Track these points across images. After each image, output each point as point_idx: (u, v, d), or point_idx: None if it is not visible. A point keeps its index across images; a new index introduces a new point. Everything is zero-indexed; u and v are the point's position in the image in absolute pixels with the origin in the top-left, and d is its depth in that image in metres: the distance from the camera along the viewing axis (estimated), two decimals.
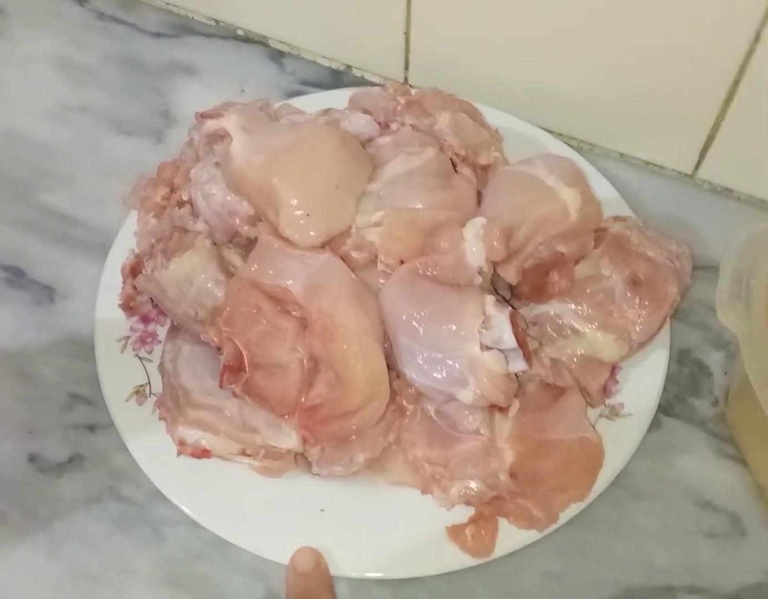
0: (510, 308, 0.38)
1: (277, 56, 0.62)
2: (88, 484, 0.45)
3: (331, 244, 0.41)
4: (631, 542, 0.43)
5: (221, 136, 0.42)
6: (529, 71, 0.54)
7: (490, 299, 0.39)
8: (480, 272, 0.40)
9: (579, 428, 0.40)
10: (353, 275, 0.40)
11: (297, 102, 0.53)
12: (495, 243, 0.39)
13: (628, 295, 0.43)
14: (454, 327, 0.38)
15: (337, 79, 0.61)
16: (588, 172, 0.51)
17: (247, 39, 0.63)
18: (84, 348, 0.48)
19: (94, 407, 0.46)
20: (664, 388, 0.47)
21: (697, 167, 0.53)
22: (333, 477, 0.41)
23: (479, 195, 0.45)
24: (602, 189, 0.51)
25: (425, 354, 0.39)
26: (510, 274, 0.41)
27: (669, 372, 0.48)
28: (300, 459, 0.42)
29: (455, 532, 0.40)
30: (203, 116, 0.43)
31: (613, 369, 0.45)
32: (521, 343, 0.38)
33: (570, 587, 0.41)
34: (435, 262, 0.40)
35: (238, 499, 0.42)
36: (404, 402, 0.41)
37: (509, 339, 0.37)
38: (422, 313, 0.39)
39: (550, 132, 0.55)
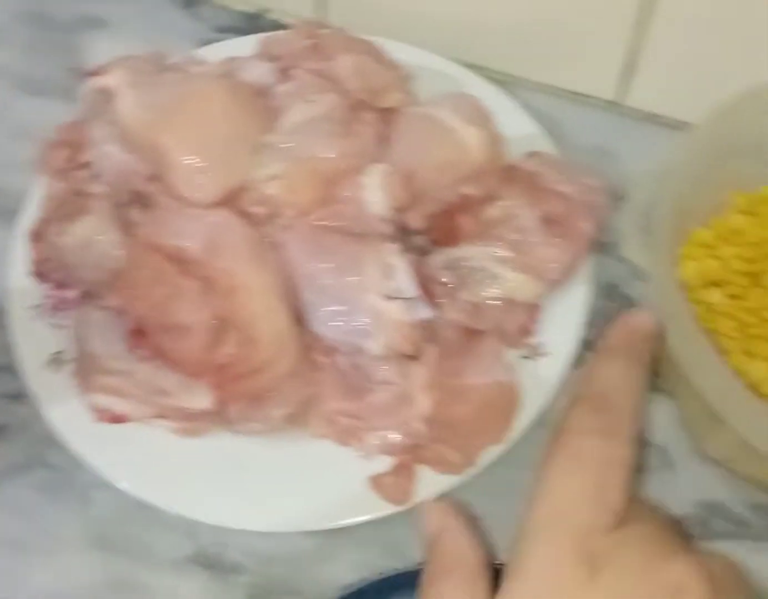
0: (411, 255, 0.38)
1: (191, 4, 0.59)
2: (14, 453, 0.44)
3: (229, 200, 0.40)
4: None
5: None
6: (447, 4, 0.52)
7: (392, 248, 0.38)
8: (385, 220, 0.39)
9: (494, 371, 0.40)
10: (252, 231, 0.39)
11: (205, 51, 0.51)
12: (396, 189, 0.38)
13: (542, 233, 0.42)
14: (357, 279, 0.37)
15: (253, 23, 0.58)
16: (508, 107, 0.50)
17: None
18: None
19: (16, 376, 0.46)
20: (593, 324, 0.47)
21: (622, 94, 0.52)
22: (253, 433, 0.41)
23: (386, 140, 0.43)
24: (523, 124, 0.49)
25: (330, 308, 0.38)
26: (415, 221, 0.40)
27: (597, 308, 0.47)
28: (219, 418, 0.42)
29: (376, 481, 0.40)
30: (89, 74, 0.42)
31: (534, 308, 0.44)
32: (426, 291, 0.38)
33: (495, 527, 0.42)
34: (336, 213, 0.39)
35: (160, 462, 0.41)
36: (317, 357, 0.41)
37: (411, 288, 0.37)
38: (325, 267, 0.38)
39: (475, 67, 0.54)
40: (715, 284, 0.44)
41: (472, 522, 0.31)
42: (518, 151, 0.47)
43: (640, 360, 0.32)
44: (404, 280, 0.37)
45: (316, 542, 0.42)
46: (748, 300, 0.43)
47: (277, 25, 0.58)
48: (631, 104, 0.52)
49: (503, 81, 0.54)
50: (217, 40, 0.56)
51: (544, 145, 0.48)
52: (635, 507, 0.28)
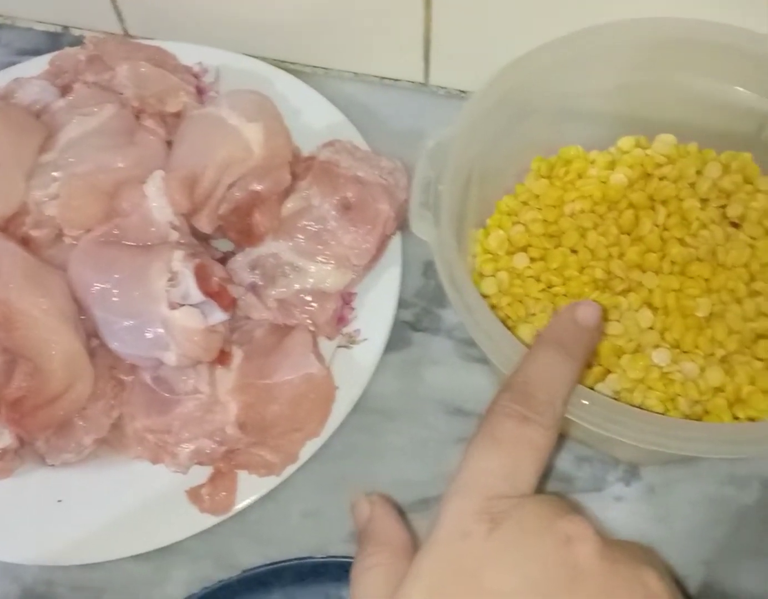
0: (197, 260, 0.37)
1: None
2: None
3: (7, 227, 0.38)
4: (387, 463, 0.43)
5: None
6: (244, 4, 0.51)
7: (177, 254, 0.37)
8: (174, 227, 0.38)
9: (304, 365, 0.40)
10: (29, 256, 0.37)
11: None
12: (176, 194, 0.37)
13: (341, 220, 0.42)
14: (142, 291, 0.36)
15: (55, 42, 0.56)
16: (312, 98, 0.50)
17: None
18: None
19: None
20: (413, 304, 0.47)
21: (427, 74, 0.53)
22: (68, 464, 0.40)
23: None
24: (328, 114, 0.49)
25: (123, 324, 0.37)
26: (203, 223, 0.39)
27: (416, 287, 0.48)
28: (29, 454, 0.40)
29: (193, 494, 0.39)
30: None
31: (348, 296, 0.44)
32: (213, 294, 0.37)
33: (329, 520, 0.41)
34: (119, 226, 0.38)
35: None
36: (121, 376, 0.39)
37: (195, 293, 0.36)
38: (110, 282, 0.37)
39: (285, 62, 0.54)
40: (523, 249, 0.45)
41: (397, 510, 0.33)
42: (325, 140, 0.47)
43: (571, 353, 0.32)
44: (188, 285, 0.36)
45: (148, 565, 0.40)
46: (551, 262, 0.43)
47: (80, 42, 0.56)
48: (436, 83, 0.53)
49: (314, 74, 0.54)
50: (18, 63, 0.54)
51: (350, 132, 0.48)
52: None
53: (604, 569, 0.27)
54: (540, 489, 0.41)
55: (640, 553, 0.29)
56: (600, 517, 0.41)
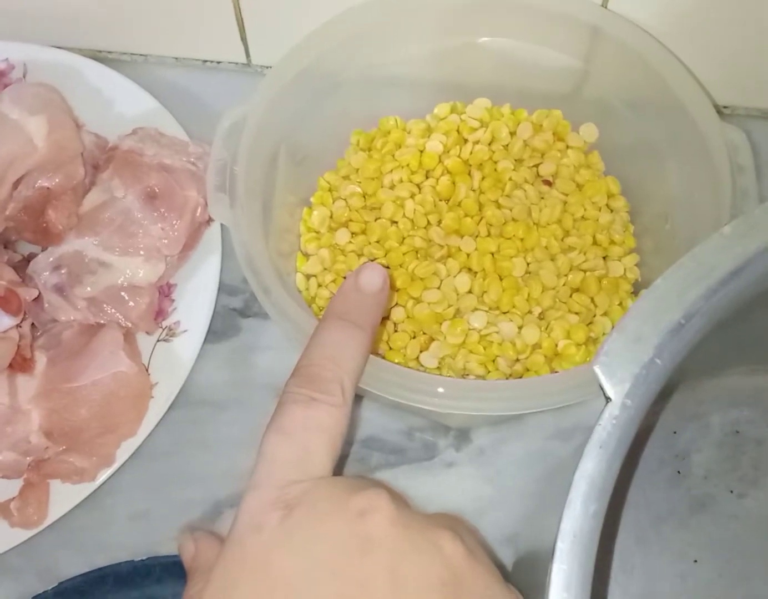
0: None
1: None
2: None
3: None
4: (217, 455, 0.42)
5: None
6: None
7: None
8: None
9: (112, 364, 0.38)
10: None
11: None
12: None
13: (146, 210, 0.40)
14: None
15: None
16: (125, 87, 0.48)
17: None
18: None
19: None
20: (242, 290, 0.46)
21: (248, 54, 0.51)
22: None
23: None
24: (142, 102, 0.47)
25: None
26: None
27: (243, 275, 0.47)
28: None
29: (2, 509, 0.37)
30: None
31: (168, 288, 0.43)
32: (7, 299, 0.35)
33: (158, 519, 0.40)
34: None
35: None
36: None
37: None
38: None
39: (102, 52, 0.51)
40: (344, 225, 0.44)
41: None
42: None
43: (357, 322, 0.32)
44: None
45: None
46: (371, 235, 0.43)
47: None
48: (259, 62, 0.52)
49: (133, 62, 0.52)
50: None
51: (165, 119, 0.47)
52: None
53: (396, 535, 0.27)
54: (371, 462, 0.41)
55: (442, 520, 0.29)
56: (432, 484, 0.41)
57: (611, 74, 0.42)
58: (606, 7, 0.42)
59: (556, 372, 0.40)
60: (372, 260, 0.43)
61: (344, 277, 0.43)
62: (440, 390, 0.32)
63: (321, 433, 0.29)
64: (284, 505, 0.27)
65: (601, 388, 0.23)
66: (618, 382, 0.23)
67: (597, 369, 0.23)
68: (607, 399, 0.22)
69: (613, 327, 0.41)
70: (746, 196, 0.35)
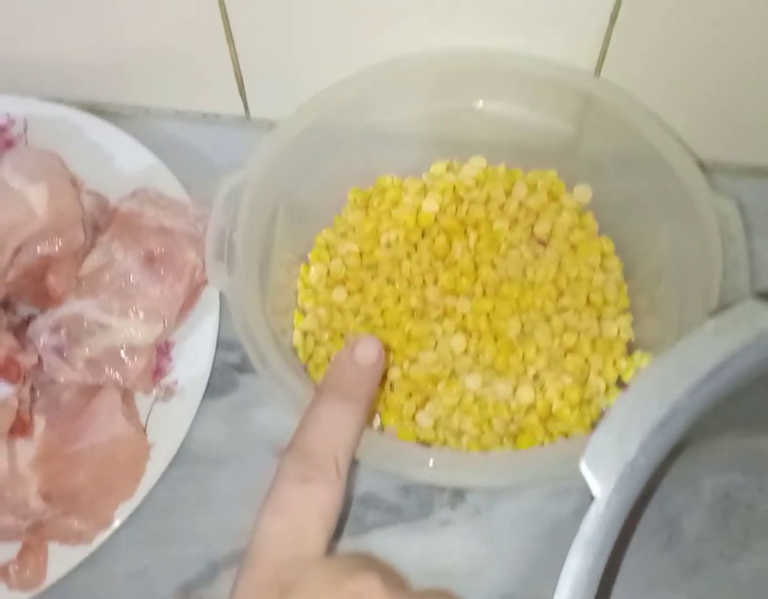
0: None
1: None
2: None
3: None
4: (215, 512, 0.42)
5: None
6: (45, 46, 0.50)
7: None
8: None
9: (110, 427, 0.39)
10: None
11: None
12: None
13: (145, 273, 0.41)
14: None
15: None
16: (125, 142, 0.48)
17: None
18: None
19: None
20: (240, 346, 0.46)
21: (246, 108, 0.52)
22: None
23: None
24: (141, 157, 0.48)
25: None
26: None
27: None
28: None
29: (1, 573, 0.37)
30: None
31: (166, 347, 0.43)
32: (6, 366, 0.36)
33: (155, 578, 0.40)
34: None
35: None
36: None
37: None
38: None
39: (99, 105, 0.52)
40: (341, 283, 0.45)
41: None
42: (139, 185, 0.46)
43: (352, 396, 0.32)
44: None
45: None
46: (368, 293, 0.44)
47: None
48: (258, 116, 0.52)
49: (134, 115, 0.53)
50: None
51: (164, 176, 0.47)
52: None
53: None
54: (366, 521, 0.42)
55: (435, 597, 0.29)
56: (427, 544, 0.41)
57: (603, 137, 0.43)
58: (599, 74, 0.43)
59: (550, 433, 0.41)
60: (368, 320, 0.44)
61: (341, 335, 0.44)
62: (431, 462, 0.33)
63: (315, 510, 0.30)
64: (279, 587, 0.28)
65: (588, 486, 0.23)
66: (604, 478, 0.23)
67: (583, 467, 0.23)
68: (592, 498, 0.23)
69: (606, 387, 0.42)
70: (736, 266, 0.36)
